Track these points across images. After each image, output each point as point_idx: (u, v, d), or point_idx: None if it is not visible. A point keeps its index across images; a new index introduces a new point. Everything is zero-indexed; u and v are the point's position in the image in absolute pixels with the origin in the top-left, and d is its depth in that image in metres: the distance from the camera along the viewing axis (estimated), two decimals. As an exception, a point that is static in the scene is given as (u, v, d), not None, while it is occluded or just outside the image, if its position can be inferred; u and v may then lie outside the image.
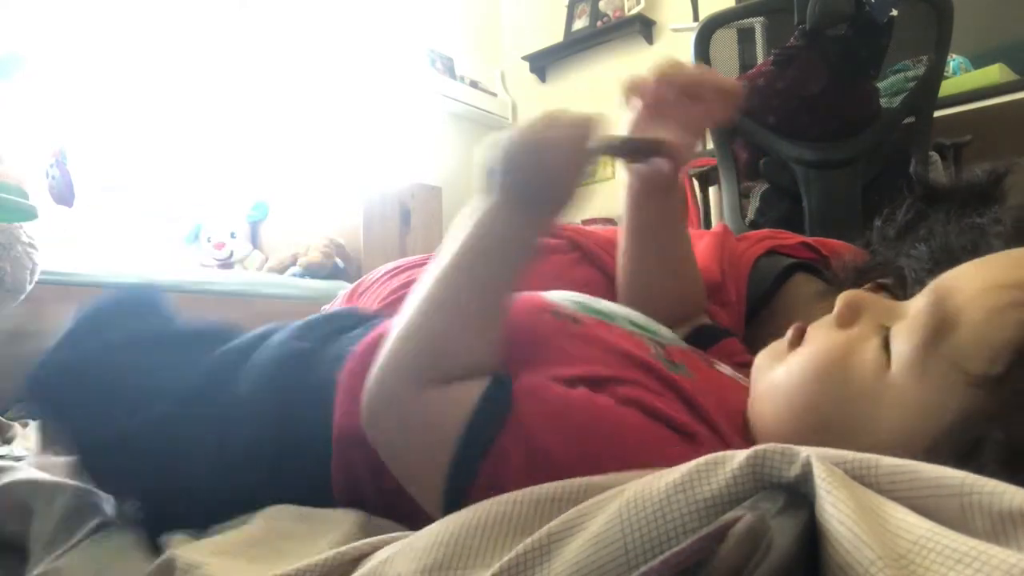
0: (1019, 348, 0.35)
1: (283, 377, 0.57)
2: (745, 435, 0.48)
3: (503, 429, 0.41)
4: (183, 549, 0.44)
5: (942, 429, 0.36)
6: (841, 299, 0.45)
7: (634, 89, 0.63)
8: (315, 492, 0.51)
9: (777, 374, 0.47)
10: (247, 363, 0.59)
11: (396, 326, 0.48)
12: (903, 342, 0.39)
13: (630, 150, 0.61)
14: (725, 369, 0.58)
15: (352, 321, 0.65)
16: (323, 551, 0.40)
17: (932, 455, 0.34)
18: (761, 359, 0.52)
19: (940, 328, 0.38)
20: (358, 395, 0.48)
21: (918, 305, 0.40)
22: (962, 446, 0.34)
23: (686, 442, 0.42)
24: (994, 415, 0.34)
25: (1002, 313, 0.36)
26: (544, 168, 0.50)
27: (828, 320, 0.46)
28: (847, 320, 0.45)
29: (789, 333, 0.50)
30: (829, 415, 0.42)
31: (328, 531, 0.46)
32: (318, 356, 0.59)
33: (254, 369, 0.58)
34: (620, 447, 0.39)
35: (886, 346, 0.40)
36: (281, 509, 0.50)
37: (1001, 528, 0.25)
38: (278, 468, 0.53)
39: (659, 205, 0.68)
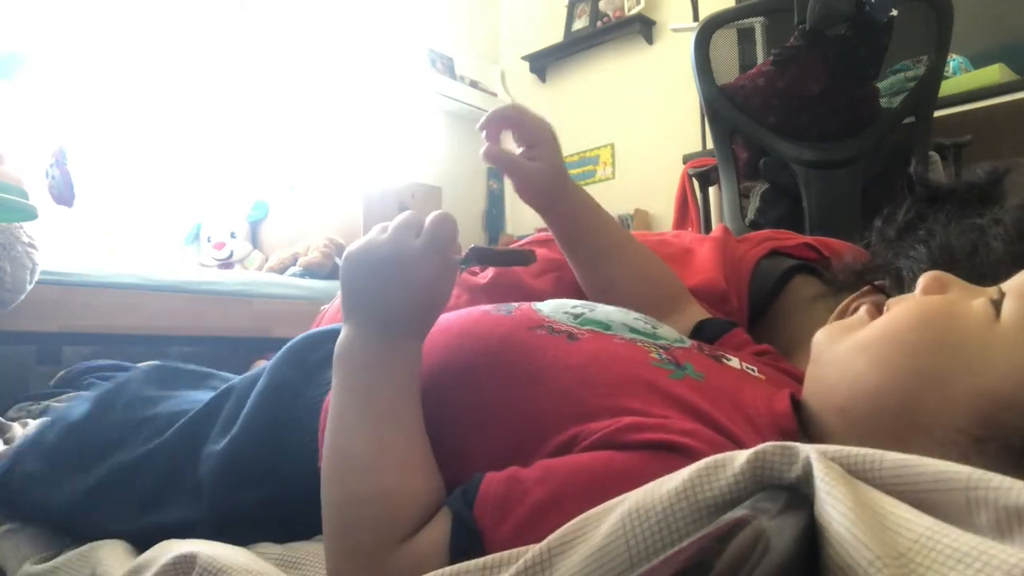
0: None
1: (272, 406, 0.57)
2: (778, 424, 0.46)
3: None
4: (205, 548, 0.44)
5: None
6: (928, 275, 0.46)
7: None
8: (307, 517, 0.50)
9: (861, 335, 0.46)
10: (234, 396, 0.60)
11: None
12: (1017, 299, 0.40)
13: (499, 261, 0.58)
14: (735, 363, 0.55)
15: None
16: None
17: None
18: (823, 335, 0.50)
19: None
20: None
21: None
22: None
23: (674, 457, 0.40)
24: None
25: None
26: (410, 288, 0.46)
27: (902, 296, 0.47)
28: (934, 291, 0.45)
29: (862, 309, 0.49)
30: (927, 361, 0.41)
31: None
32: (307, 386, 0.59)
33: (245, 399, 0.59)
34: (599, 497, 0.35)
35: (994, 307, 0.41)
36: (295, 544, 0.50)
37: (1006, 523, 0.25)
38: (272, 493, 0.53)
39: (565, 216, 0.71)
